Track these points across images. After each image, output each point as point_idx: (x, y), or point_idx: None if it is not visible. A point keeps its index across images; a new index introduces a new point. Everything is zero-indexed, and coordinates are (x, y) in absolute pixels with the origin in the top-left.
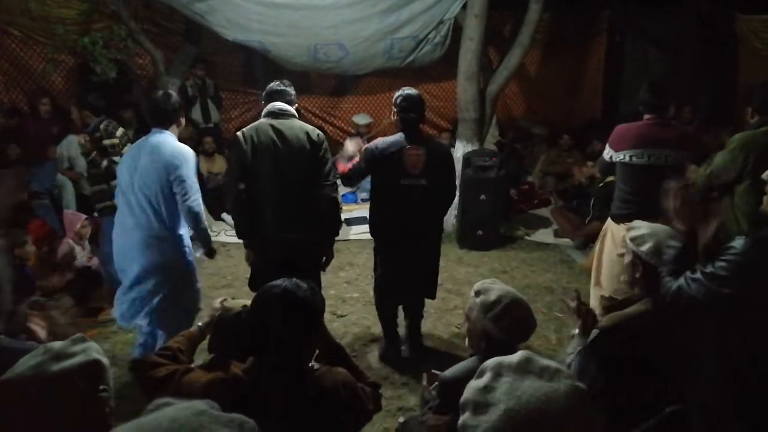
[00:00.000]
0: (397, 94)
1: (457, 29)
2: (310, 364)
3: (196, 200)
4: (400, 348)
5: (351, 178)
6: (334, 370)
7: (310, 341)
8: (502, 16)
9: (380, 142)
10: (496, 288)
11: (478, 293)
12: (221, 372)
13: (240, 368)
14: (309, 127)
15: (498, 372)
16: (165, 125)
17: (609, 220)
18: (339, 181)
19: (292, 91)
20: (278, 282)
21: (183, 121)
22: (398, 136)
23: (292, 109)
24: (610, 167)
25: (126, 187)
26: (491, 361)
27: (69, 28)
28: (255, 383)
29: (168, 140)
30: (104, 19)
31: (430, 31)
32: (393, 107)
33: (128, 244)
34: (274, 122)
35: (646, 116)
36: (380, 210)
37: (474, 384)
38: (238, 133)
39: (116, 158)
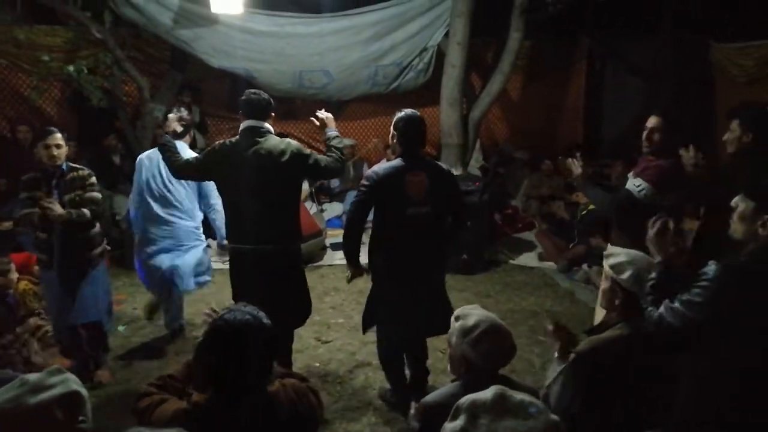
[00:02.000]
0: (397, 116)
1: (440, 56)
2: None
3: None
4: (410, 397)
5: (354, 215)
6: (286, 383)
7: (270, 365)
8: (484, 43)
9: (379, 168)
10: (476, 313)
11: (457, 318)
12: (185, 402)
13: (201, 397)
14: (286, 142)
15: (473, 413)
16: (180, 137)
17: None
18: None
19: (270, 104)
20: (232, 312)
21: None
22: (397, 162)
23: (269, 126)
24: (634, 205)
25: (158, 187)
26: (464, 401)
27: (55, 56)
28: (219, 411)
29: (188, 150)
30: (90, 47)
31: (414, 58)
32: (393, 130)
33: (161, 233)
34: (252, 140)
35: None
36: (385, 245)
37: (450, 427)
38: (217, 143)
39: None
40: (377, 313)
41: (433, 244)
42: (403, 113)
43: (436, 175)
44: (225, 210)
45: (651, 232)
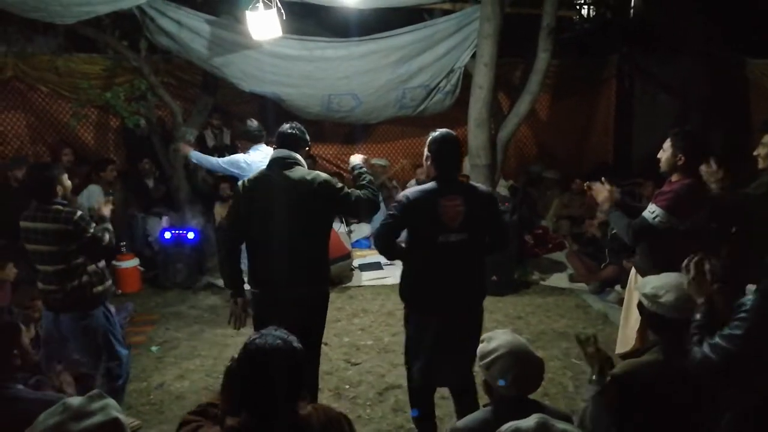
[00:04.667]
0: (431, 136)
1: (467, 77)
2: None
3: None
4: None
5: (381, 237)
6: (318, 408)
7: (301, 388)
8: (511, 63)
9: (410, 191)
10: (500, 337)
11: (482, 341)
12: (218, 426)
13: (234, 421)
14: (314, 173)
15: None
16: (258, 142)
17: (633, 271)
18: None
19: (303, 136)
20: (263, 336)
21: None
22: (431, 185)
23: (298, 157)
24: (649, 231)
25: None
26: (507, 429)
27: (93, 83)
28: None
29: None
30: (126, 73)
31: (441, 80)
32: (426, 152)
33: None
34: (279, 171)
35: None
36: (416, 272)
37: None
38: (240, 182)
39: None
40: (406, 344)
41: (468, 275)
42: (437, 133)
43: (474, 199)
44: (251, 252)
45: (687, 276)
